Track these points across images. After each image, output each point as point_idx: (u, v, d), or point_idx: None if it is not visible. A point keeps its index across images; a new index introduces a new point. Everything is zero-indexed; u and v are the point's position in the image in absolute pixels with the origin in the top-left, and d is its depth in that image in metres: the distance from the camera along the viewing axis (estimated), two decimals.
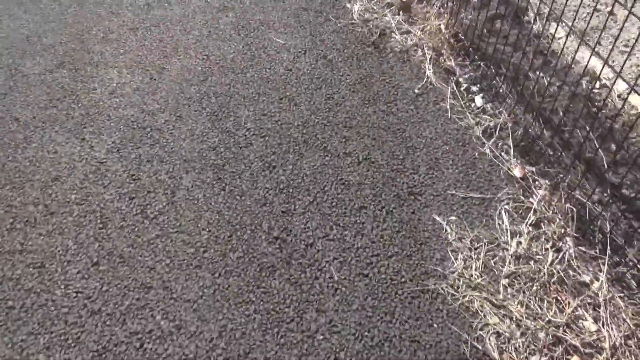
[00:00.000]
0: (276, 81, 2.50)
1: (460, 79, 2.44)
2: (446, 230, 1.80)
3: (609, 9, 2.85)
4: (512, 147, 2.07)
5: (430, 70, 2.48)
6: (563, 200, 1.79)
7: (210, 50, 2.71)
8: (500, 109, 2.23)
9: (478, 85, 2.39)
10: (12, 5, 3.08)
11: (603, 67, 1.73)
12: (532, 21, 2.67)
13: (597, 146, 2.02)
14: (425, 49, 2.59)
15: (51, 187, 2.06)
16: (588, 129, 2.09)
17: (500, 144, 2.11)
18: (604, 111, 2.20)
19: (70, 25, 2.91)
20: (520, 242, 1.70)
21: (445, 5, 2.73)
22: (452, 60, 2.50)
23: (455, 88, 2.40)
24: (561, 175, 1.93)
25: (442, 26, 2.61)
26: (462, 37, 2.59)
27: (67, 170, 2.12)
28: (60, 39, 2.81)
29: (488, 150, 2.08)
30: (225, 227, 1.89)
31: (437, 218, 1.85)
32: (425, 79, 2.45)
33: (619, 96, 2.25)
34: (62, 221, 1.94)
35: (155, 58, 2.67)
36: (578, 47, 1.87)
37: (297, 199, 1.97)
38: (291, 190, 2.00)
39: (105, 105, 2.41)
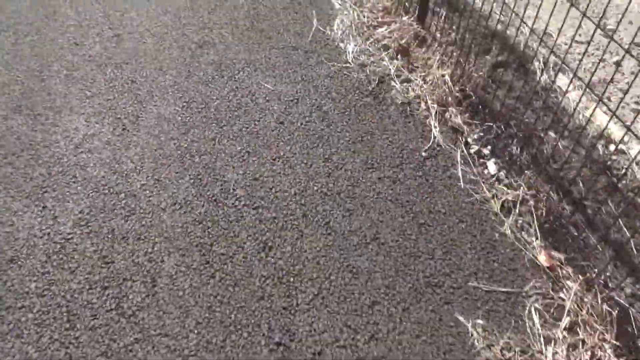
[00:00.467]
0: (267, 136, 2.24)
1: (469, 139, 2.26)
2: (472, 335, 1.61)
3: (614, 59, 2.73)
4: (534, 227, 1.90)
5: (436, 128, 2.28)
6: (599, 300, 1.63)
7: (190, 95, 2.41)
8: (517, 180, 2.05)
9: (489, 148, 2.21)
10: None
11: (624, 137, 1.57)
12: (538, 72, 2.51)
13: (622, 226, 1.88)
14: (429, 101, 2.39)
15: (6, 272, 1.74)
16: (610, 204, 1.94)
17: (520, 222, 1.94)
18: (624, 182, 2.06)
19: (28, 59, 2.55)
20: (556, 353, 1.52)
21: (447, 51, 2.54)
22: (459, 117, 2.31)
23: (465, 150, 2.21)
24: (591, 267, 1.77)
25: (447, 77, 2.42)
26: (468, 90, 2.40)
27: (25, 249, 1.80)
28: (15, 75, 2.45)
29: (509, 231, 1.90)
30: (217, 328, 1.63)
31: (461, 318, 1.65)
32: (431, 139, 2.25)
33: (637, 164, 2.12)
34: (20, 319, 1.62)
35: (128, 103, 2.35)
36: (594, 111, 1.72)
37: (300, 290, 1.72)
38: (292, 280, 1.75)
39: (71, 163, 2.09)
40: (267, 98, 2.42)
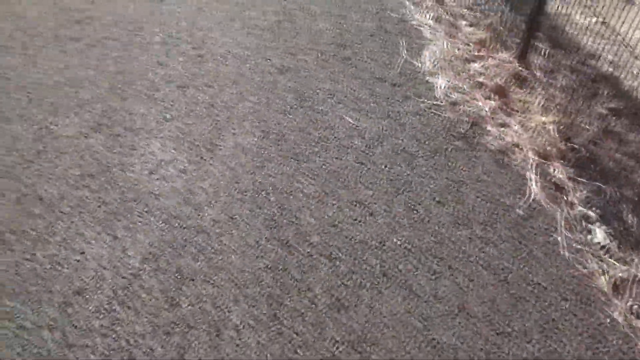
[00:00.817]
0: (347, 177, 2.09)
1: (574, 199, 2.00)
2: None
3: None
4: None
5: (535, 183, 2.05)
6: None
7: (268, 124, 2.31)
8: (632, 255, 1.78)
9: (598, 212, 1.94)
10: (51, 42, 2.73)
11: None
12: None
13: None
14: (528, 152, 2.15)
15: (72, 305, 1.68)
16: None
17: (636, 307, 1.67)
18: None
19: (112, 76, 2.54)
20: None
21: (551, 94, 2.29)
22: (563, 172, 2.06)
23: (568, 212, 1.96)
24: None
25: (550, 124, 2.17)
26: (574, 141, 2.14)
27: (93, 281, 1.74)
28: (99, 92, 2.45)
29: (621, 317, 1.63)
30: None
31: None
32: (529, 195, 2.02)
33: None
34: None
35: (206, 129, 2.28)
36: None
37: None
38: (366, 347, 1.58)
39: (145, 190, 2.03)
40: (348, 134, 2.27)
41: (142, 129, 2.27)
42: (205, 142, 2.22)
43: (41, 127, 2.26)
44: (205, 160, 2.15)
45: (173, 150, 2.18)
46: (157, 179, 2.07)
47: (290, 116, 2.35)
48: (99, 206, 1.97)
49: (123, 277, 1.75)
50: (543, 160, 2.12)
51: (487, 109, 2.34)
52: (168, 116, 2.34)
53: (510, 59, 2.51)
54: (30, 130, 2.24)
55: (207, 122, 2.32)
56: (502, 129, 2.27)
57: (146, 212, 1.95)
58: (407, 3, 3.10)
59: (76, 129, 2.25)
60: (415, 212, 1.97)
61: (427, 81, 2.55)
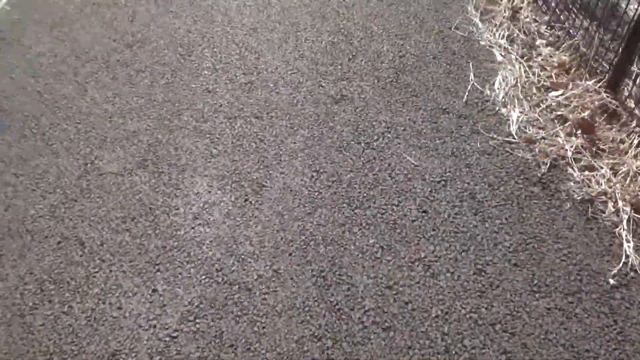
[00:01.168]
0: (406, 228, 1.87)
1: None
2: None
3: None
4: None
5: (630, 244, 1.74)
6: None
7: (321, 163, 2.12)
8: None
9: None
10: (102, 68, 2.68)
11: None
12: None
13: None
14: (621, 203, 1.85)
15: None
16: None
17: None
18: None
19: (160, 105, 2.45)
20: None
21: None
22: None
23: None
24: None
25: None
26: None
27: (129, 342, 1.63)
28: (146, 124, 2.35)
29: None
30: None
31: None
32: (623, 259, 1.72)
33: None
34: None
35: (253, 167, 2.13)
36: None
37: None
38: None
39: (187, 237, 1.90)
40: (408, 175, 2.05)
41: (188, 166, 2.15)
42: (252, 183, 2.07)
43: (87, 161, 2.19)
44: (251, 203, 2.00)
45: (218, 192, 2.05)
46: (200, 224, 1.94)
47: (346, 153, 2.16)
48: (140, 254, 1.86)
49: (159, 339, 1.63)
50: (639, 216, 1.81)
51: (569, 149, 2.04)
52: (215, 151, 2.21)
53: (598, 87, 2.19)
54: (75, 165, 2.18)
55: (254, 158, 2.16)
56: (588, 173, 1.97)
57: (187, 262, 1.82)
58: (476, 20, 2.81)
59: (121, 165, 2.17)
60: (484, 274, 1.72)
61: (498, 112, 2.28)
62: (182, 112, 2.41)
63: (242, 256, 1.83)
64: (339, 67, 2.59)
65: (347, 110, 2.35)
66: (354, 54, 2.67)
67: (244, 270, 1.79)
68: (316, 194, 2.01)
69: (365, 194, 1.99)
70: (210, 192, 2.05)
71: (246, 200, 2.01)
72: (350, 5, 3.00)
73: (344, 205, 1.96)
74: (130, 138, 2.29)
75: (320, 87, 2.48)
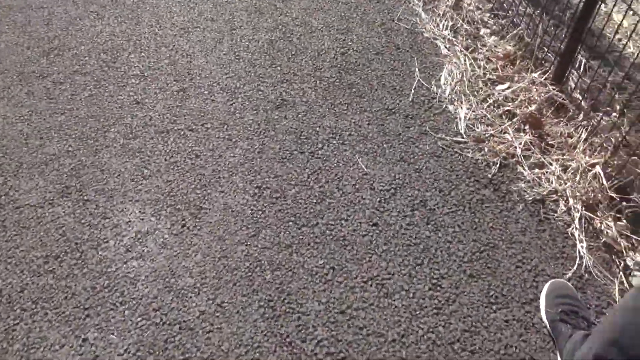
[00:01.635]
0: (356, 245, 1.76)
1: (630, 263, 1.66)
2: None
3: None
4: None
5: (583, 245, 1.70)
6: None
7: (263, 178, 1.98)
8: None
9: None
10: (15, 82, 2.41)
11: None
12: None
13: None
14: (572, 201, 1.80)
15: None
16: None
17: None
18: None
19: (83, 121, 2.22)
20: None
21: (597, 127, 1.91)
22: (613, 228, 1.71)
23: (625, 281, 1.62)
24: None
25: (597, 167, 1.81)
26: (627, 186, 1.79)
27: None
28: (68, 144, 2.13)
29: None
30: None
31: None
32: (577, 261, 1.68)
33: None
34: None
35: (190, 187, 1.96)
36: None
37: None
38: None
39: (119, 274, 1.72)
40: (356, 186, 1.94)
41: (116, 191, 1.96)
42: (189, 205, 1.90)
43: (0, 193, 1.96)
44: (189, 229, 1.83)
45: (152, 218, 1.87)
46: (133, 257, 1.76)
47: (289, 165, 2.02)
48: (66, 298, 1.67)
49: None
50: (590, 214, 1.76)
51: (518, 145, 1.98)
52: (146, 172, 2.02)
53: (543, 79, 2.13)
54: None
55: (190, 177, 1.99)
56: (538, 171, 1.92)
57: (121, 304, 1.65)
58: (419, 10, 2.70)
59: (40, 195, 1.95)
60: (439, 289, 1.64)
61: (445, 110, 2.19)
62: (108, 128, 2.20)
63: (182, 291, 1.68)
64: (279, 68, 2.43)
65: (289, 116, 2.21)
66: (293, 52, 2.51)
67: (185, 307, 1.64)
68: (259, 213, 1.87)
69: (311, 210, 1.87)
70: (143, 219, 1.87)
71: (184, 225, 1.85)
72: None
73: (290, 223, 1.83)
74: (50, 162, 2.07)
75: (259, 92, 2.32)
